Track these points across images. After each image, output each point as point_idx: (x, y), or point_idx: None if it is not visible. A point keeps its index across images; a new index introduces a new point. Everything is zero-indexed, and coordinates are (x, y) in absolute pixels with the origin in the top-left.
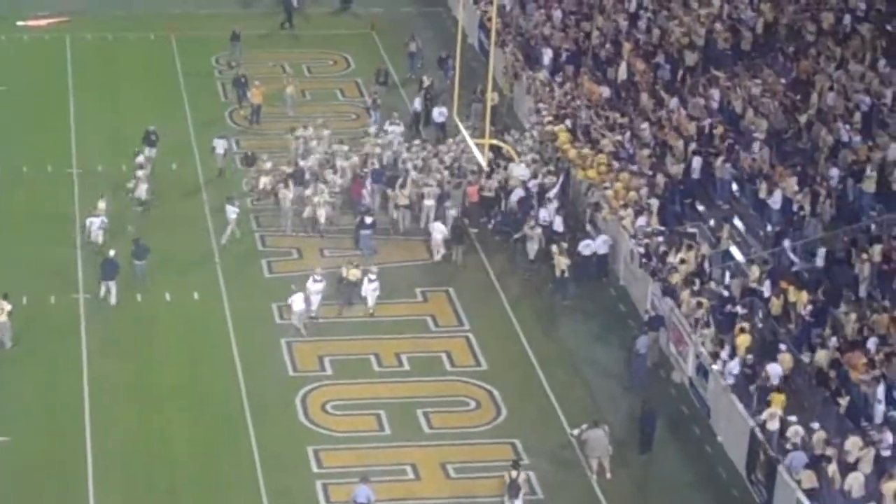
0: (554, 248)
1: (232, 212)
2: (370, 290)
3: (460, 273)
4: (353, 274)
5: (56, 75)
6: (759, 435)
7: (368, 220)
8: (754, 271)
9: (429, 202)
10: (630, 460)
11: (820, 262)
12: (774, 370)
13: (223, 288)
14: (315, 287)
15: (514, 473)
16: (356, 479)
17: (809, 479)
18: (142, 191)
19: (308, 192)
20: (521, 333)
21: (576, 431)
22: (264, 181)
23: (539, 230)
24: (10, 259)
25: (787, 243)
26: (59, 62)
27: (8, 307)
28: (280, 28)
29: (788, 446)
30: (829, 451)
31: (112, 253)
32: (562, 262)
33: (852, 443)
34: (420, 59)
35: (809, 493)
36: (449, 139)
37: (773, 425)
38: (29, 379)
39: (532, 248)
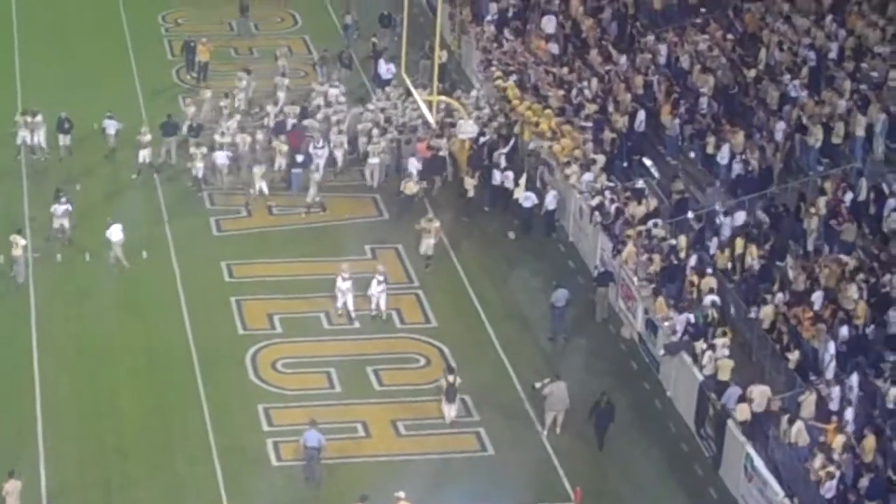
0: (468, 176)
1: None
2: (378, 291)
3: (409, 231)
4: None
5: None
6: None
7: (299, 158)
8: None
9: (374, 160)
10: (580, 417)
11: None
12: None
13: (172, 247)
14: (344, 285)
15: (450, 378)
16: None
17: (743, 412)
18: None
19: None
20: (470, 290)
21: (538, 385)
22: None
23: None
24: None
25: (690, 214)
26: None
27: (22, 242)
28: None
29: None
30: (776, 406)
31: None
32: (469, 183)
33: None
34: (356, 30)
35: (744, 425)
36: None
37: (725, 375)
38: None
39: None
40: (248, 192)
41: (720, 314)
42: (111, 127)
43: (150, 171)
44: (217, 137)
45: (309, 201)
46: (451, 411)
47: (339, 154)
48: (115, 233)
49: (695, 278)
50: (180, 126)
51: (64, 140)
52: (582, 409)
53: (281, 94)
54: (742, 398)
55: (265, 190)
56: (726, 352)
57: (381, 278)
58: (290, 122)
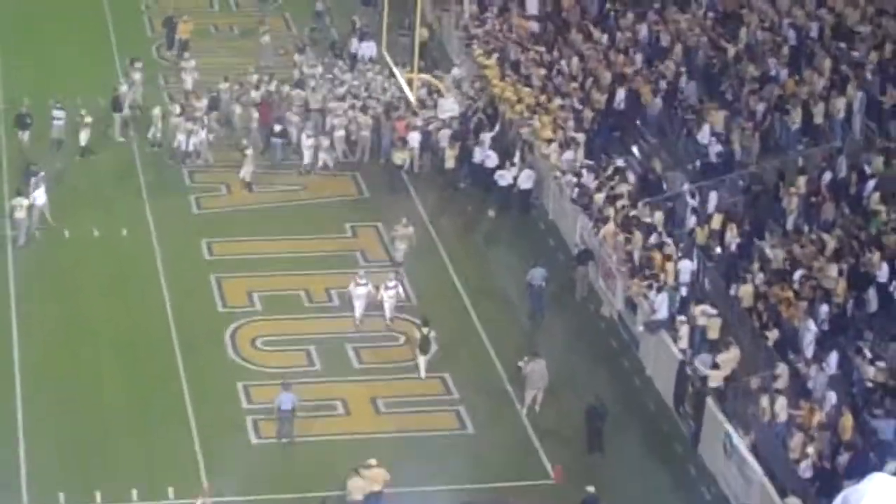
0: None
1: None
2: (387, 296)
3: (391, 208)
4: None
5: None
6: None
7: (278, 128)
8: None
9: (364, 133)
10: (559, 395)
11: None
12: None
13: (151, 224)
14: (358, 291)
15: (424, 330)
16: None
17: (716, 378)
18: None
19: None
20: (450, 268)
21: (521, 363)
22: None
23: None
24: None
25: (686, 186)
26: None
27: (26, 202)
28: None
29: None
30: (755, 383)
31: None
32: (449, 155)
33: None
34: (328, 16)
35: (718, 392)
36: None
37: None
38: None
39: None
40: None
41: (699, 292)
42: (61, 116)
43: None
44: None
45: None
46: (423, 363)
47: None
48: (40, 197)
49: (659, 257)
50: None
51: (23, 136)
52: (561, 387)
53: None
54: (715, 366)
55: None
56: (711, 310)
57: (390, 284)
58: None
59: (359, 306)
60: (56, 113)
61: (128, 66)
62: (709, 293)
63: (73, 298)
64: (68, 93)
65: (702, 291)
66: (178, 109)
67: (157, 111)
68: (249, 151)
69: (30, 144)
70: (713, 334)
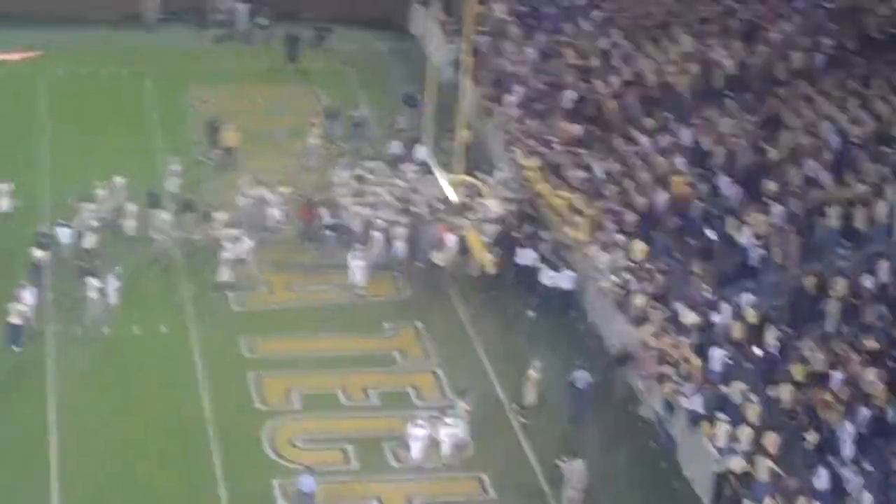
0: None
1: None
2: (445, 434)
3: (428, 308)
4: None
5: (27, 110)
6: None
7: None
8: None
9: (404, 232)
10: (597, 497)
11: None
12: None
13: (190, 322)
14: (416, 432)
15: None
16: None
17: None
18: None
19: None
20: (489, 369)
21: (560, 462)
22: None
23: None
24: None
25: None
26: (31, 96)
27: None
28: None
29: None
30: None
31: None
32: (488, 260)
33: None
34: (366, 126)
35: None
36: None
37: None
38: None
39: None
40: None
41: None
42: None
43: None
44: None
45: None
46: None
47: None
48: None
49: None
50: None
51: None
52: (599, 489)
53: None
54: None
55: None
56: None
57: (450, 421)
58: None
59: (416, 448)
60: (60, 231)
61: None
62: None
63: (110, 392)
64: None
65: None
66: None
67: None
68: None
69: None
70: (762, 476)
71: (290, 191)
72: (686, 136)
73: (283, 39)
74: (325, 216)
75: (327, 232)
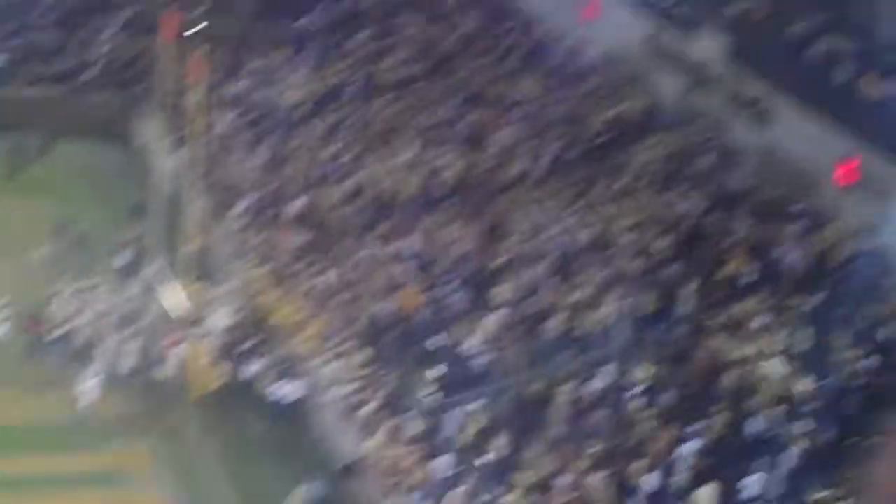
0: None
1: None
2: None
3: (158, 425)
4: None
5: None
6: None
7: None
8: None
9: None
10: None
11: None
12: None
13: None
14: None
15: None
16: None
17: None
18: None
19: None
20: (221, 487)
21: None
22: None
23: None
24: None
25: None
26: None
27: None
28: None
29: None
30: None
31: None
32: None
33: None
34: (91, 239)
35: None
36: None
37: None
38: None
39: None
40: None
41: None
42: None
43: None
44: None
45: None
46: None
47: None
48: None
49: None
50: None
51: None
52: None
53: None
54: None
55: None
56: None
57: None
58: None
59: None
60: None
61: None
62: None
63: None
64: None
65: None
66: None
67: None
68: None
69: None
70: None
71: (16, 304)
72: (413, 242)
73: (9, 151)
74: (52, 330)
75: (54, 346)
